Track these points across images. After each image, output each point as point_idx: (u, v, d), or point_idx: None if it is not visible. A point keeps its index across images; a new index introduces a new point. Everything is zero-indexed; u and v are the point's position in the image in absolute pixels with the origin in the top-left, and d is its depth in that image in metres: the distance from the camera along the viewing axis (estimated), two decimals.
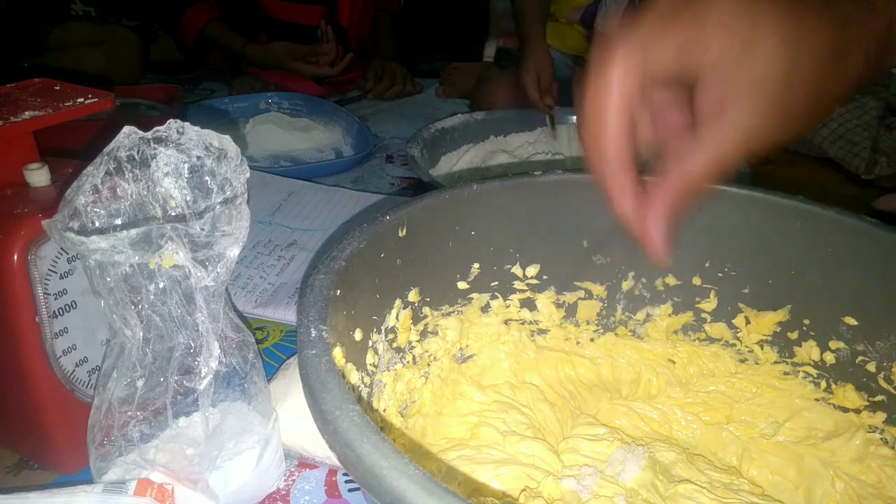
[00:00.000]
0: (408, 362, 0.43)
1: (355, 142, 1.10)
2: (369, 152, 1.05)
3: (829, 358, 0.44)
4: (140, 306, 0.36)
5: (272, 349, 0.61)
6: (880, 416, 0.43)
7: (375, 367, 0.38)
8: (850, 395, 0.44)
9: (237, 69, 1.47)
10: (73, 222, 0.34)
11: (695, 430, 0.47)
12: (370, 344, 0.38)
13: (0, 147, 0.41)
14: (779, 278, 0.45)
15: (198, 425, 0.39)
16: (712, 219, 0.44)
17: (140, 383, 0.37)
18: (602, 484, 0.40)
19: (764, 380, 0.47)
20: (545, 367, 0.50)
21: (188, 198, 0.35)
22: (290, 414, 0.45)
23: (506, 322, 0.49)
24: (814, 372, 0.45)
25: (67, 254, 0.41)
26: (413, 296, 0.42)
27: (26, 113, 0.40)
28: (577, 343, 0.51)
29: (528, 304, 0.49)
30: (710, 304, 0.48)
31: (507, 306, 0.48)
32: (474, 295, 0.47)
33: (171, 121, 0.34)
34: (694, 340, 0.49)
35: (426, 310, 0.44)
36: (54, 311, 0.41)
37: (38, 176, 0.42)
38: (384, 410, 0.39)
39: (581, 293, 0.49)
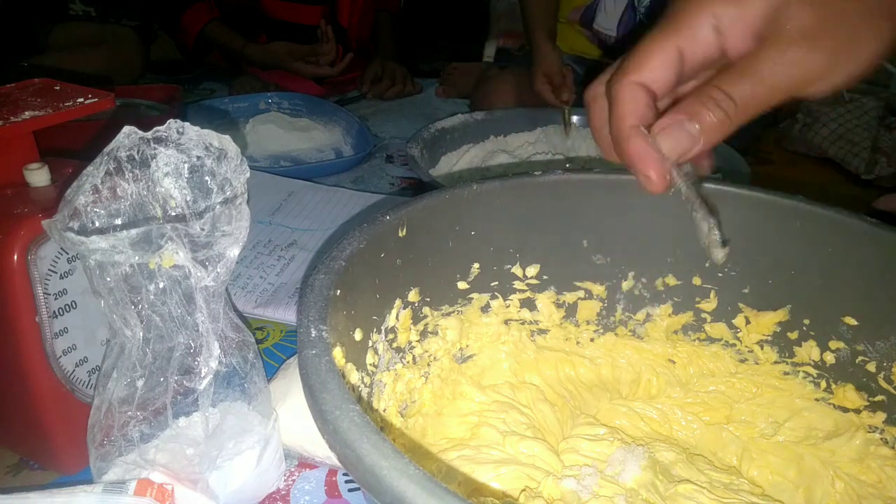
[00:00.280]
0: (408, 362, 0.43)
1: (355, 142, 1.10)
2: (369, 152, 1.05)
3: (829, 358, 0.44)
4: (140, 306, 0.36)
5: (272, 349, 0.61)
6: (880, 416, 0.43)
7: (375, 367, 0.38)
8: (850, 395, 0.44)
9: (237, 69, 1.47)
10: (73, 222, 0.34)
11: (695, 430, 0.47)
12: (370, 344, 0.38)
13: (0, 147, 0.41)
14: (779, 278, 0.45)
15: (198, 425, 0.39)
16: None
17: (140, 383, 0.37)
18: (602, 484, 0.40)
19: (764, 380, 0.47)
20: (545, 367, 0.50)
21: (188, 198, 0.35)
22: (290, 414, 0.45)
23: (506, 322, 0.49)
24: (814, 372, 0.45)
25: (67, 254, 0.41)
26: (413, 296, 0.42)
27: (26, 113, 0.40)
28: (577, 343, 0.51)
29: (528, 304, 0.49)
30: (710, 304, 0.48)
31: (507, 306, 0.48)
32: (474, 295, 0.47)
33: (171, 121, 0.34)
34: (694, 340, 0.49)
35: (426, 310, 0.44)
36: (54, 311, 0.41)
37: (38, 176, 0.42)
38: (384, 410, 0.39)
39: (581, 293, 0.49)
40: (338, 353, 0.32)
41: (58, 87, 0.45)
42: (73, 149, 0.49)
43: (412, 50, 1.71)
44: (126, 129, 0.34)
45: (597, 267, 0.48)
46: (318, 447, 0.45)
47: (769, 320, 0.46)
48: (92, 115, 0.43)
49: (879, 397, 0.43)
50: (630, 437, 0.45)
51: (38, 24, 1.32)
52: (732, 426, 0.47)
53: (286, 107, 1.20)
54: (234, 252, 0.36)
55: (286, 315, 0.63)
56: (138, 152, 0.34)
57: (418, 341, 0.44)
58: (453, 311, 0.46)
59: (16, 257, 0.38)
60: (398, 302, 0.41)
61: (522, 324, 0.49)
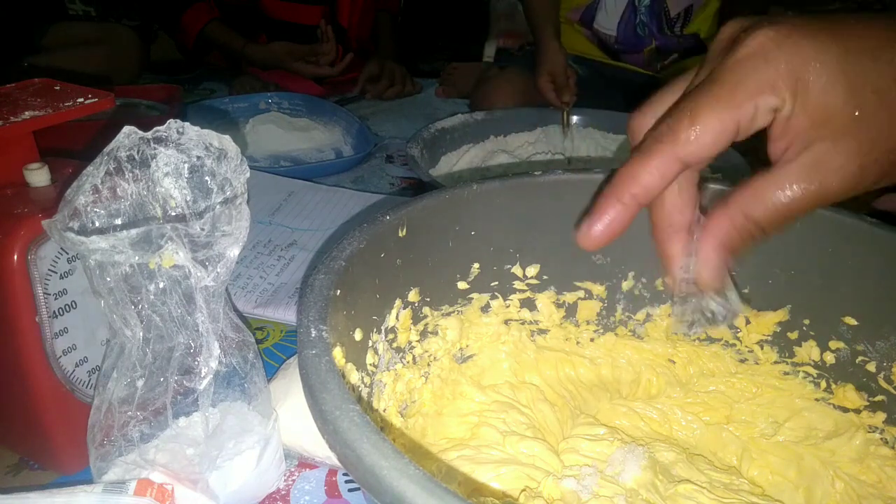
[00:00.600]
0: (408, 362, 0.43)
1: (355, 142, 1.10)
2: (369, 152, 1.05)
3: (829, 358, 0.44)
4: (140, 306, 0.36)
5: (272, 349, 0.61)
6: (880, 416, 0.43)
7: (375, 367, 0.38)
8: (850, 395, 0.44)
9: (237, 69, 1.47)
10: (73, 222, 0.34)
11: (695, 430, 0.47)
12: (370, 344, 0.38)
13: (0, 147, 0.41)
14: (779, 278, 0.45)
15: (198, 425, 0.39)
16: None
17: (140, 383, 0.37)
18: (602, 484, 0.40)
19: (764, 380, 0.47)
20: (545, 367, 0.50)
21: (188, 198, 0.35)
22: (290, 414, 0.45)
23: (506, 322, 0.49)
24: (814, 372, 0.45)
25: (67, 254, 0.41)
26: (413, 296, 0.42)
27: (26, 113, 0.40)
28: (577, 343, 0.51)
29: (528, 304, 0.49)
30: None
31: (507, 306, 0.48)
32: (474, 295, 0.47)
33: (171, 121, 0.34)
34: (694, 340, 0.49)
35: (426, 310, 0.44)
36: (54, 311, 0.41)
37: (38, 176, 0.42)
38: (384, 410, 0.39)
39: (581, 293, 0.49)
40: (338, 353, 0.32)
41: (58, 87, 0.45)
42: (73, 149, 0.48)
43: (412, 50, 1.71)
44: (126, 129, 0.34)
45: (597, 267, 0.48)
46: (318, 447, 0.45)
47: (769, 320, 0.46)
48: (92, 115, 0.43)
49: (879, 397, 0.43)
50: (630, 437, 0.45)
51: (36, 23, 1.32)
52: (732, 426, 0.47)
53: (286, 107, 1.20)
54: (234, 252, 0.36)
55: (286, 315, 0.63)
56: (138, 152, 0.34)
57: (418, 341, 0.44)
58: (453, 311, 0.46)
59: (16, 257, 0.38)
60: (398, 302, 0.41)
61: (522, 324, 0.49)
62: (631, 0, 1.18)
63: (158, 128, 0.34)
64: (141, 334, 0.36)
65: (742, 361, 0.48)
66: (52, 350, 0.41)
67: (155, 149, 0.34)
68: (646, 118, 0.32)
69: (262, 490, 0.44)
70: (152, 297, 0.35)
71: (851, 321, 0.42)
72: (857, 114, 0.26)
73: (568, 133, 0.99)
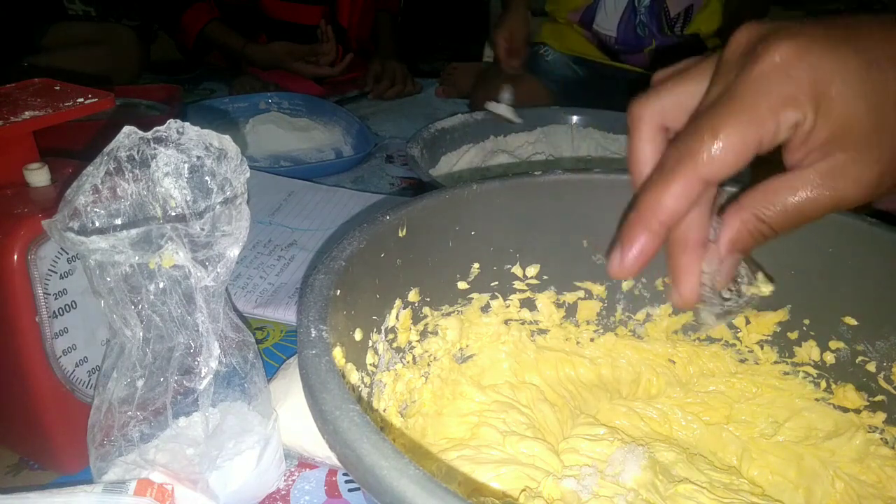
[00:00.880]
0: (408, 362, 0.43)
1: (355, 142, 1.10)
2: (369, 152, 1.05)
3: (829, 358, 0.44)
4: (140, 306, 0.36)
5: (272, 349, 0.61)
6: (880, 416, 0.43)
7: (375, 367, 0.38)
8: (850, 395, 0.44)
9: (237, 69, 1.47)
10: (73, 222, 0.34)
11: (695, 430, 0.47)
12: (370, 344, 0.38)
13: (0, 147, 0.41)
14: (779, 278, 0.44)
15: (198, 425, 0.39)
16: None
17: (140, 383, 0.37)
18: (602, 484, 0.40)
19: (764, 380, 0.47)
20: (545, 367, 0.50)
21: (188, 198, 0.35)
22: (290, 414, 0.45)
23: (506, 322, 0.49)
24: (814, 372, 0.45)
25: (67, 254, 0.41)
26: (413, 296, 0.42)
27: (26, 113, 0.40)
28: (577, 343, 0.51)
29: (528, 304, 0.49)
30: None
31: (507, 306, 0.48)
32: (474, 295, 0.47)
33: (171, 121, 0.34)
34: (694, 340, 0.49)
35: (426, 310, 0.44)
36: (54, 311, 0.41)
37: (38, 176, 0.42)
38: (384, 410, 0.39)
39: (581, 293, 0.49)
40: (338, 353, 0.32)
41: (58, 87, 0.45)
42: (73, 149, 0.48)
43: (412, 50, 1.71)
44: (126, 129, 0.34)
45: (597, 267, 0.48)
46: (318, 447, 0.45)
47: (769, 320, 0.46)
48: (92, 115, 0.43)
49: (879, 397, 0.43)
50: (630, 437, 0.45)
51: (35, 23, 1.32)
52: (732, 426, 0.47)
53: (286, 107, 1.20)
54: (234, 252, 0.36)
55: (286, 315, 0.63)
56: (138, 152, 0.34)
57: (418, 341, 0.44)
58: (453, 311, 0.46)
59: (16, 257, 0.38)
60: (398, 302, 0.41)
61: (522, 324, 0.49)
62: (631, 0, 1.18)
63: (158, 128, 0.34)
64: (141, 334, 0.36)
65: (742, 361, 0.48)
66: (52, 350, 0.41)
67: (155, 149, 0.34)
68: (647, 107, 0.32)
69: (262, 490, 0.44)
70: (152, 297, 0.35)
71: (851, 321, 0.42)
72: (877, 126, 0.26)
73: (513, 114, 0.97)
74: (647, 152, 0.32)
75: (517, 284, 0.48)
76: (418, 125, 1.03)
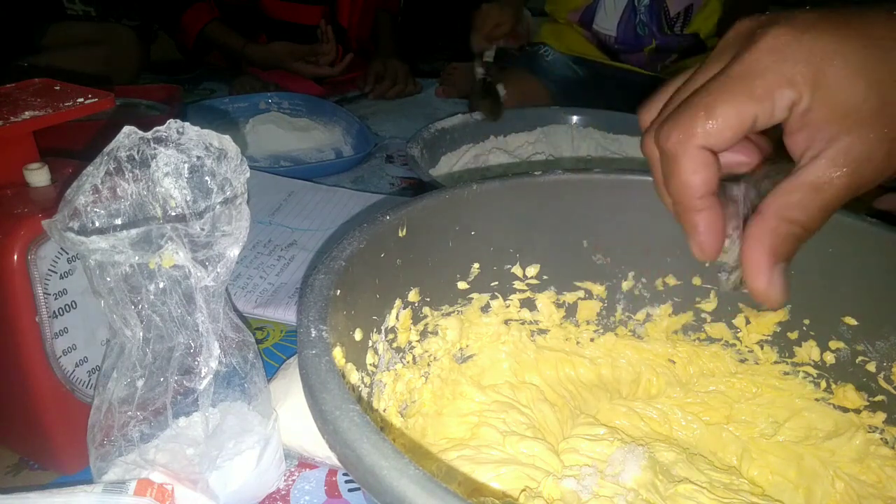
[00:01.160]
0: (408, 362, 0.43)
1: (355, 142, 1.10)
2: (369, 152, 1.05)
3: (829, 358, 0.44)
4: (140, 306, 0.36)
5: (272, 349, 0.61)
6: (880, 416, 0.43)
7: (375, 367, 0.38)
8: (850, 395, 0.44)
9: (237, 69, 1.47)
10: (73, 222, 0.34)
11: (695, 430, 0.47)
12: (370, 344, 0.38)
13: (0, 147, 0.41)
14: None
15: (198, 425, 0.39)
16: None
17: (140, 383, 0.37)
18: (602, 484, 0.40)
19: (764, 380, 0.47)
20: (545, 367, 0.50)
21: (188, 198, 0.35)
22: (290, 414, 0.45)
23: (506, 322, 0.49)
24: (814, 372, 0.45)
25: (67, 254, 0.41)
26: (413, 296, 0.42)
27: (26, 113, 0.40)
28: (577, 343, 0.51)
29: (528, 304, 0.49)
30: (710, 304, 0.48)
31: (507, 306, 0.48)
32: (474, 295, 0.47)
33: (171, 121, 0.34)
34: (694, 340, 0.49)
35: (426, 310, 0.44)
36: (54, 311, 0.41)
37: (38, 176, 0.42)
38: (384, 410, 0.39)
39: (581, 293, 0.49)
40: (338, 353, 0.32)
41: (58, 87, 0.45)
42: (73, 149, 0.48)
43: (412, 50, 1.70)
44: (126, 129, 0.34)
45: (597, 267, 0.48)
46: (318, 447, 0.45)
47: (769, 320, 0.46)
48: (92, 115, 0.43)
49: (879, 397, 0.43)
50: (630, 437, 0.45)
51: (35, 23, 1.32)
52: (732, 426, 0.47)
53: (286, 107, 1.20)
54: (234, 252, 0.36)
55: (286, 315, 0.63)
56: (138, 152, 0.34)
57: (418, 341, 0.44)
58: (453, 311, 0.46)
59: (16, 257, 0.38)
60: (398, 302, 0.41)
61: (522, 324, 0.49)
62: (631, 0, 1.18)
63: (158, 128, 0.34)
64: (141, 334, 0.36)
65: (742, 361, 0.48)
66: (52, 350, 0.41)
67: (155, 149, 0.34)
68: (652, 113, 0.32)
69: (262, 490, 0.44)
70: (152, 297, 0.35)
71: (851, 321, 0.42)
72: (881, 103, 0.26)
73: (489, 109, 0.96)
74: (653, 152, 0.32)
75: (517, 284, 0.48)
76: (418, 125, 1.03)
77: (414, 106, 1.39)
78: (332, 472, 0.47)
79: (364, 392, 0.37)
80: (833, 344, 0.44)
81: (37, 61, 1.23)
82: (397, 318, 0.41)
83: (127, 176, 0.34)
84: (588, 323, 0.50)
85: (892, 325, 0.41)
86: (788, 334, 0.45)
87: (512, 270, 0.47)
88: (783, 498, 0.42)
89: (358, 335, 0.36)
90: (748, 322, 0.47)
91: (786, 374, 0.47)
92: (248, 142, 1.07)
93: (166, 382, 0.37)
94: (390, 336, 0.41)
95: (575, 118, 1.01)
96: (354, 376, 0.35)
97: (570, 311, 0.50)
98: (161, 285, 0.35)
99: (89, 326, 0.43)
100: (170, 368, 0.37)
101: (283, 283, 0.68)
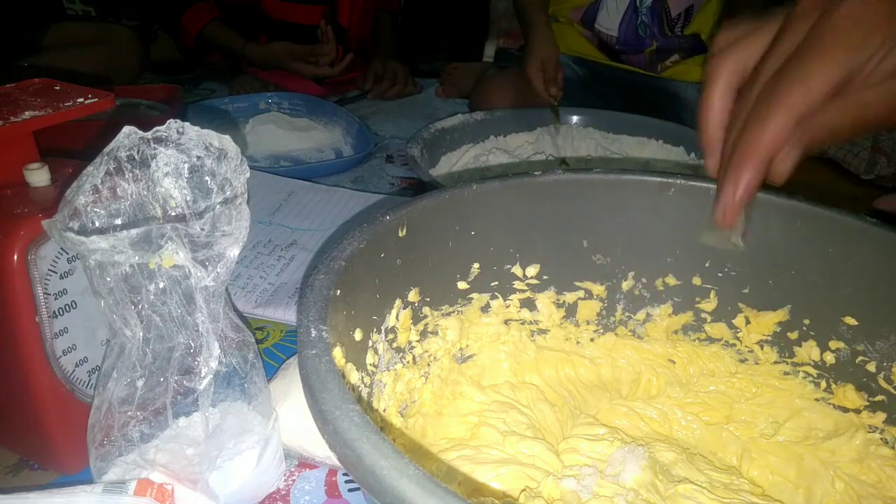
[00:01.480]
0: (408, 362, 0.43)
1: (355, 142, 1.10)
2: (369, 152, 1.05)
3: (829, 358, 0.44)
4: (140, 306, 0.36)
5: (272, 349, 0.61)
6: (880, 416, 0.43)
7: (375, 367, 0.38)
8: (850, 395, 0.44)
9: (237, 69, 1.47)
10: (73, 222, 0.34)
11: (695, 430, 0.47)
12: (370, 344, 0.38)
13: (0, 147, 0.41)
14: (779, 278, 0.45)
15: (198, 425, 0.39)
16: (712, 219, 0.44)
17: (140, 383, 0.37)
18: (602, 484, 0.40)
19: (764, 380, 0.47)
20: (545, 367, 0.50)
21: (188, 198, 0.35)
22: (290, 414, 0.45)
23: (506, 322, 0.49)
24: (814, 372, 0.45)
25: (67, 254, 0.41)
26: (413, 296, 0.42)
27: (26, 113, 0.40)
28: (577, 343, 0.51)
29: (528, 304, 0.49)
30: (710, 304, 0.48)
31: (507, 306, 0.48)
32: (474, 295, 0.47)
33: (171, 121, 0.34)
34: (694, 340, 0.49)
35: (426, 310, 0.44)
36: (54, 311, 0.41)
37: (38, 176, 0.42)
38: (384, 410, 0.39)
39: (581, 293, 0.49)
40: (338, 353, 0.32)
41: (58, 87, 0.45)
42: (73, 149, 0.48)
43: (412, 50, 1.71)
44: (126, 129, 0.34)
45: (597, 267, 0.48)
46: (318, 447, 0.45)
47: (769, 320, 0.46)
48: (92, 115, 0.43)
49: (879, 397, 0.43)
50: (630, 437, 0.45)
51: (34, 23, 1.32)
52: (732, 426, 0.47)
53: (286, 107, 1.20)
54: (234, 252, 0.36)
55: (286, 315, 0.63)
56: (138, 152, 0.34)
57: (418, 341, 0.44)
58: (453, 311, 0.46)
59: (16, 257, 0.38)
60: (398, 302, 0.41)
61: (522, 324, 0.49)
62: (632, 0, 1.18)
63: (158, 128, 0.34)
64: (141, 334, 0.36)
65: (742, 361, 0.48)
66: (52, 350, 0.41)
67: (155, 149, 0.34)
68: (724, 64, 0.34)
69: (262, 490, 0.44)
70: (152, 297, 0.35)
71: (851, 321, 0.42)
72: None
73: (559, 131, 0.98)
74: (717, 107, 0.34)
75: (517, 284, 0.48)
76: (418, 125, 1.03)
77: (414, 106, 1.39)
78: (332, 472, 0.47)
79: (364, 392, 0.37)
80: (833, 344, 0.44)
81: (37, 61, 1.23)
82: (397, 318, 0.41)
83: (127, 176, 0.34)
84: (588, 323, 0.50)
85: (892, 325, 0.41)
86: (788, 334, 0.45)
87: (512, 270, 0.47)
88: (783, 498, 0.42)
89: (358, 335, 0.36)
90: (748, 322, 0.47)
91: (786, 374, 0.47)
92: (248, 142, 1.07)
93: (166, 382, 0.37)
94: (390, 336, 0.41)
95: (575, 118, 1.01)
96: (354, 376, 0.35)
97: (570, 311, 0.50)
98: (161, 285, 0.35)
99: (89, 326, 0.43)
100: (170, 368, 0.37)
101: (283, 283, 0.68)
